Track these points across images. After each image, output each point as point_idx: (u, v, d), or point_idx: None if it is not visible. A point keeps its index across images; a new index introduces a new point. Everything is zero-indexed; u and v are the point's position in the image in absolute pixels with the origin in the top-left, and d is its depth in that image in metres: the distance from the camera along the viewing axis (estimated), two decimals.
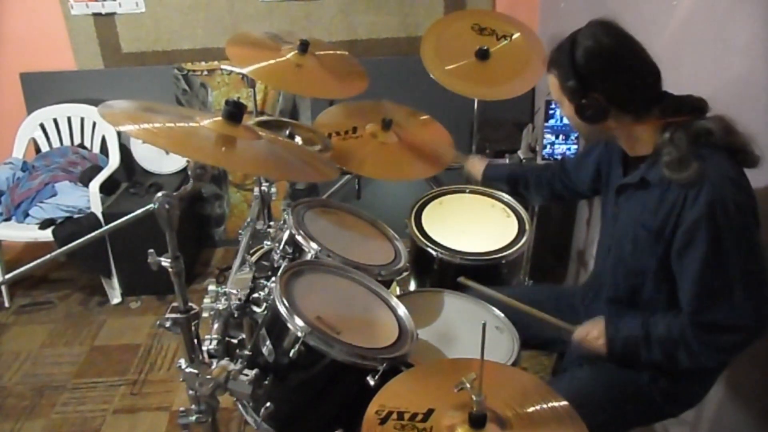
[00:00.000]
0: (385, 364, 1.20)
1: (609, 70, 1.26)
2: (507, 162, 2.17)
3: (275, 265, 1.59)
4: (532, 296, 1.70)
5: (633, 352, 1.32)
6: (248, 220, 2.20)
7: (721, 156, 1.21)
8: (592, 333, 1.39)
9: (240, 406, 1.32)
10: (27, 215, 2.76)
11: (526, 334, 1.51)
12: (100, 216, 2.78)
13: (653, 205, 1.27)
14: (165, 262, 1.18)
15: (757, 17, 1.40)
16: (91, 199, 2.79)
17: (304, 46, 2.02)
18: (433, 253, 1.78)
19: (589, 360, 1.43)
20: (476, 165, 2.00)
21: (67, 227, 2.72)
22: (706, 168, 1.19)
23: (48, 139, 3.11)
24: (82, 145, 3.14)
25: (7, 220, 2.80)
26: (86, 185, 2.83)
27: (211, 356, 1.38)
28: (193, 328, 1.23)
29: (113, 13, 3.04)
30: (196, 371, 1.22)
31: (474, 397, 0.97)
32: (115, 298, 2.94)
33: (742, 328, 1.21)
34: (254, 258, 1.82)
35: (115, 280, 2.93)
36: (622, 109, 1.28)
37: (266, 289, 1.52)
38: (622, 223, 1.39)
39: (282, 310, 1.22)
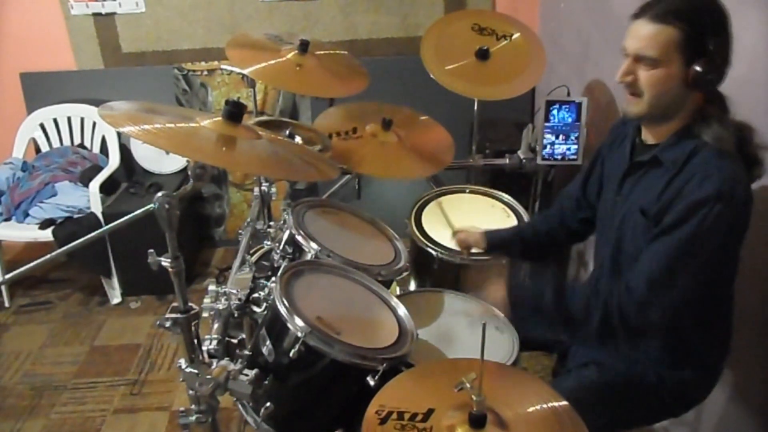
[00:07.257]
0: (385, 364, 1.20)
1: (728, 39, 1.20)
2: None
3: (275, 265, 1.58)
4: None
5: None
6: (248, 220, 2.19)
7: (740, 162, 1.20)
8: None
9: (240, 406, 1.32)
10: (27, 215, 2.76)
11: (526, 335, 1.50)
12: (100, 216, 2.78)
13: (658, 190, 1.25)
14: (165, 262, 1.17)
15: (758, 17, 1.40)
16: (91, 199, 2.79)
17: (304, 46, 2.02)
18: (433, 253, 1.78)
19: (595, 360, 1.43)
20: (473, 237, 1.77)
21: (67, 227, 2.72)
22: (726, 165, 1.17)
23: (48, 139, 3.11)
24: (82, 145, 3.14)
25: (7, 220, 2.80)
26: (86, 185, 2.83)
27: (211, 356, 1.38)
28: (193, 328, 1.22)
29: (113, 13, 3.04)
30: (196, 371, 1.22)
31: (474, 397, 0.97)
32: (115, 298, 2.94)
33: (650, 317, 1.22)
34: (254, 258, 1.81)
35: (115, 280, 2.93)
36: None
37: (266, 289, 1.51)
38: (624, 210, 1.37)
39: (282, 310, 1.22)
